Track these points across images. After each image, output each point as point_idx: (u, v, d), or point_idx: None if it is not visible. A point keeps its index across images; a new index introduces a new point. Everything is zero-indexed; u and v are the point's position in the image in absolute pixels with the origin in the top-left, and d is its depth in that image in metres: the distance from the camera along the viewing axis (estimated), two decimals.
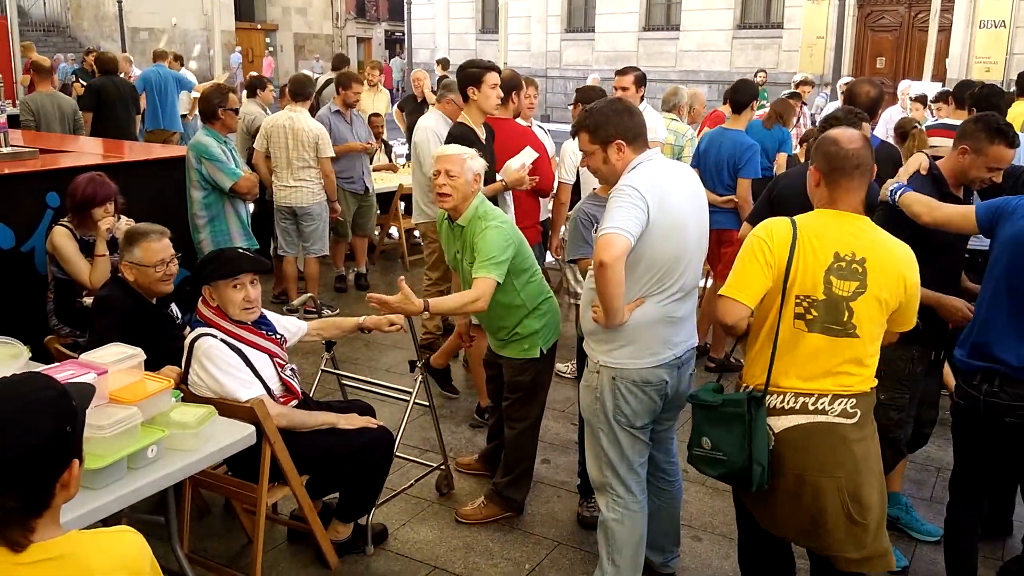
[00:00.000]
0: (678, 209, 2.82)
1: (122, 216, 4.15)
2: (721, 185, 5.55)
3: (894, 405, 3.49)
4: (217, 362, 3.11)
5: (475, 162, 3.57)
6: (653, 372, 2.91)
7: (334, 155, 6.52)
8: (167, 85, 10.72)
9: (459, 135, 4.55)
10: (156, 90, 10.59)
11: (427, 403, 4.04)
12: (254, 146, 6.55)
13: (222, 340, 3.17)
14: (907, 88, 10.83)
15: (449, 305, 3.63)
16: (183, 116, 11.61)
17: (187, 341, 3.21)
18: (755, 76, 12.06)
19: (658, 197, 2.74)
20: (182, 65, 12.40)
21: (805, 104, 9.80)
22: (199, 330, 3.19)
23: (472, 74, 4.67)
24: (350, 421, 3.39)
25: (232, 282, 3.19)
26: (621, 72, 5.96)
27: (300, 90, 6.49)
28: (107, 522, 2.79)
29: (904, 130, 5.93)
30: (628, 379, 2.91)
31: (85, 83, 10.88)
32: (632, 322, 2.83)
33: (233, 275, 3.19)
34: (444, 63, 13.23)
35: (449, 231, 3.72)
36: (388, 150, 9.10)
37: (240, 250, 3.61)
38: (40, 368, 2.67)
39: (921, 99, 8.89)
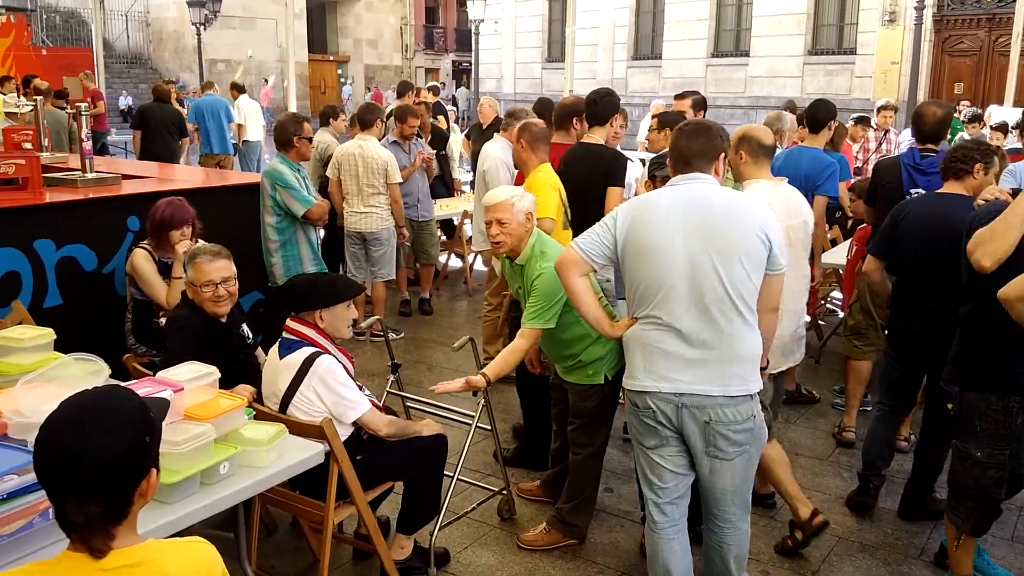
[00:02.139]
0: (660, 231, 2.81)
1: (199, 240, 4.28)
2: None
3: (992, 463, 3.21)
4: (341, 379, 3.22)
5: (523, 202, 3.58)
6: (639, 396, 2.93)
7: (402, 181, 6.64)
8: (218, 112, 11.79)
9: (616, 156, 4.80)
10: (209, 118, 11.66)
11: (489, 427, 4.06)
12: (327, 174, 6.69)
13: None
14: (988, 115, 10.52)
15: (506, 364, 3.57)
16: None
17: (296, 359, 3.22)
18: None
19: (631, 217, 2.89)
20: (241, 92, 13.12)
21: (890, 129, 9.51)
22: (310, 350, 3.23)
23: (616, 104, 4.93)
24: (430, 428, 3.54)
25: (348, 303, 3.36)
26: (680, 96, 5.96)
27: (366, 118, 6.63)
28: (179, 536, 2.87)
29: None
30: (628, 396, 3.01)
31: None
32: (624, 339, 3.00)
33: (355, 295, 3.42)
34: (435, 90, 12.95)
35: (510, 269, 3.76)
36: (442, 141, 8.95)
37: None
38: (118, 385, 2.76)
39: (1001, 127, 8.62)
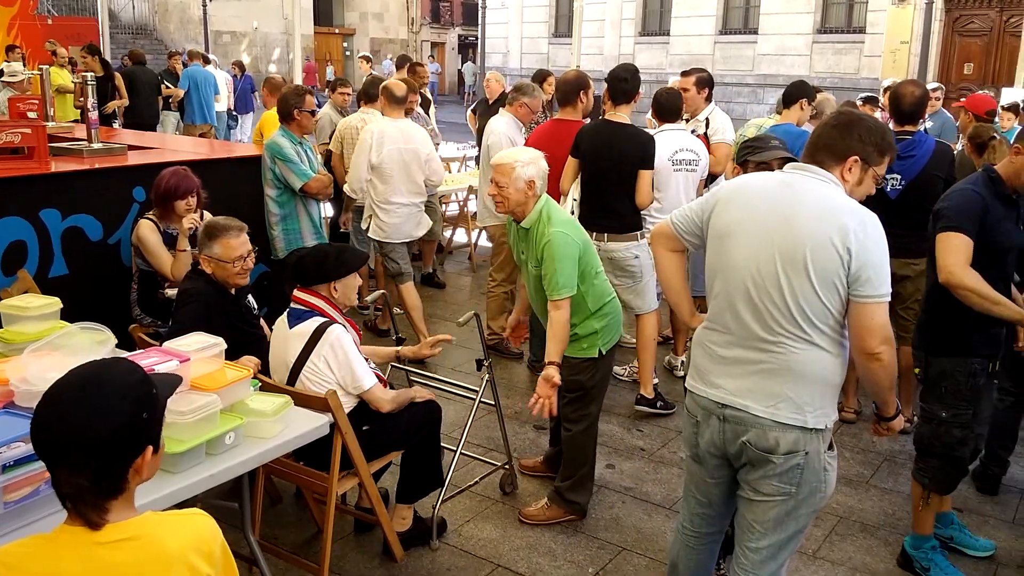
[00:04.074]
0: (739, 219, 2.50)
1: (205, 213, 4.27)
2: None
3: (956, 422, 3.35)
4: (349, 350, 3.24)
5: (527, 169, 3.54)
6: (689, 396, 2.67)
7: None
8: (208, 84, 12.19)
9: (650, 139, 4.87)
10: (200, 88, 11.97)
11: (493, 402, 4.07)
12: (330, 148, 6.65)
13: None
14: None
15: (562, 341, 3.54)
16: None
17: (306, 329, 3.24)
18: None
19: (719, 198, 2.58)
20: (207, 63, 13.37)
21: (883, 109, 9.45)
22: (320, 320, 3.26)
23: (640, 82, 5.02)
24: (421, 394, 3.61)
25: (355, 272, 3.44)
26: (685, 73, 5.93)
27: (372, 92, 6.57)
28: (183, 506, 2.88)
29: (980, 139, 5.27)
30: None
31: (169, 84, 12.45)
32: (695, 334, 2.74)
33: (363, 264, 3.46)
34: (367, 59, 12.54)
35: (516, 232, 3.75)
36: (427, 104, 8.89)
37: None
38: (125, 355, 2.76)
39: (1013, 108, 8.53)
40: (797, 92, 5.67)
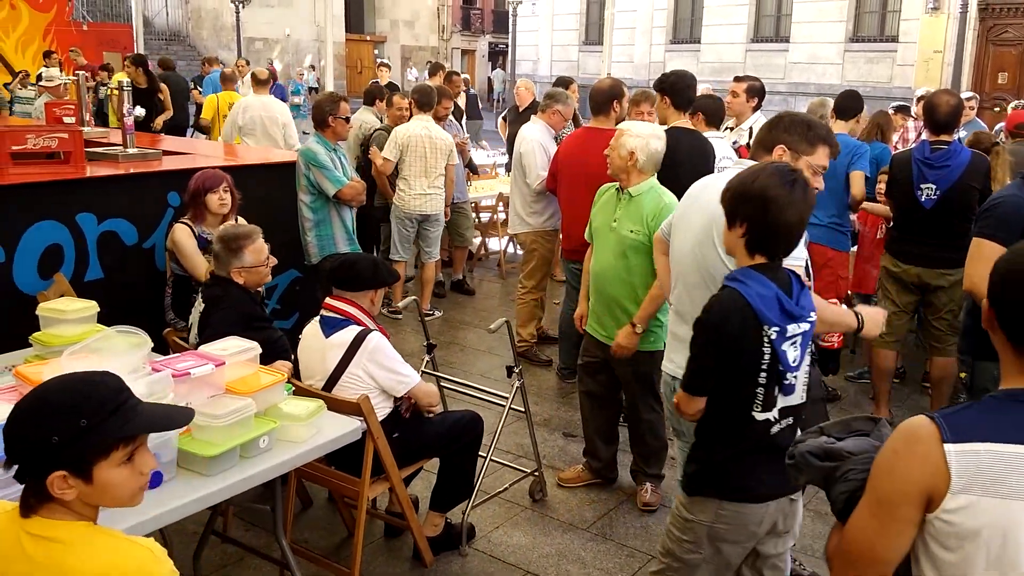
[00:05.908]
0: (683, 214, 2.91)
1: (239, 218, 4.31)
2: (833, 196, 5.11)
3: None
4: (390, 354, 3.29)
5: (633, 140, 3.71)
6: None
7: (456, 162, 6.73)
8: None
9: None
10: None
11: (523, 409, 4.06)
12: (385, 155, 6.50)
13: None
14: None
15: (649, 308, 3.70)
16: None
17: (344, 338, 3.25)
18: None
19: (679, 203, 3.00)
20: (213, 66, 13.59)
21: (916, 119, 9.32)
22: (357, 328, 3.27)
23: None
24: None
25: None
26: (738, 79, 5.91)
27: (426, 100, 6.56)
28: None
29: (983, 147, 4.84)
30: None
31: (200, 89, 12.79)
32: None
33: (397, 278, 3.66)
34: (387, 66, 12.95)
35: (614, 198, 3.86)
36: (459, 114, 8.97)
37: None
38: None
39: None
40: (855, 105, 5.59)
